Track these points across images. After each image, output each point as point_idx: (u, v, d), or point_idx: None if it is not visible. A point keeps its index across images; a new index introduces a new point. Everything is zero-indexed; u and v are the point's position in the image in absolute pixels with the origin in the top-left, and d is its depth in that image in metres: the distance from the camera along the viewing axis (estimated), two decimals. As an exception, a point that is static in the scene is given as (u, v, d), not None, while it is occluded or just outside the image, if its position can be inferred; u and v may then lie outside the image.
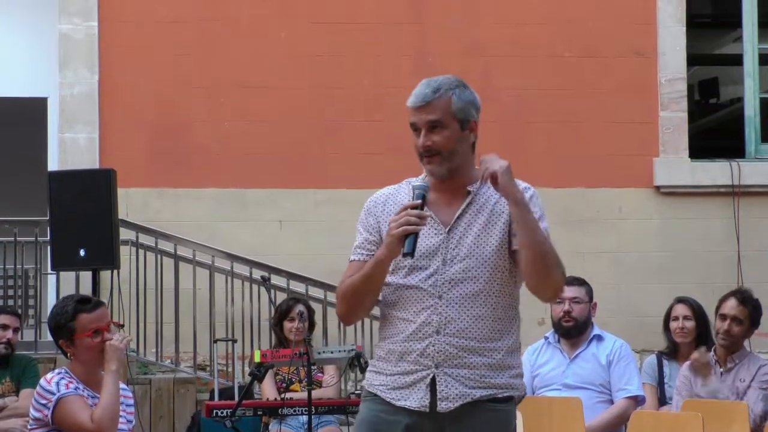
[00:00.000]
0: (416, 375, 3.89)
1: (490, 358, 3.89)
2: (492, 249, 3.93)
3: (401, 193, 4.05)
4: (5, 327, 7.94)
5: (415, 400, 3.88)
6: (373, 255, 3.93)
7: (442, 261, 3.90)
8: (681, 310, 7.59)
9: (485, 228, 3.96)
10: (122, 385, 5.37)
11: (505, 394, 3.93)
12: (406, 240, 3.78)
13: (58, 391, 5.05)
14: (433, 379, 3.87)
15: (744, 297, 7.06)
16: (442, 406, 3.85)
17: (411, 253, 3.79)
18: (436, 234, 3.92)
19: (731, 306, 6.99)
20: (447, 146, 3.96)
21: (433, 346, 3.87)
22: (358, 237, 4.03)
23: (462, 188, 3.99)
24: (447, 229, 3.93)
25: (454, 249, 3.91)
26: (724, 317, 6.98)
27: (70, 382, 5.10)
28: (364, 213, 4.06)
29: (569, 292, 7.36)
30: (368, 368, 4.09)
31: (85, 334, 5.12)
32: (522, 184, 4.08)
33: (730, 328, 6.94)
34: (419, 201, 3.86)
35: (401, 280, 3.92)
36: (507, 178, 3.92)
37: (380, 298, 3.98)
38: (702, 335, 7.43)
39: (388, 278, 3.92)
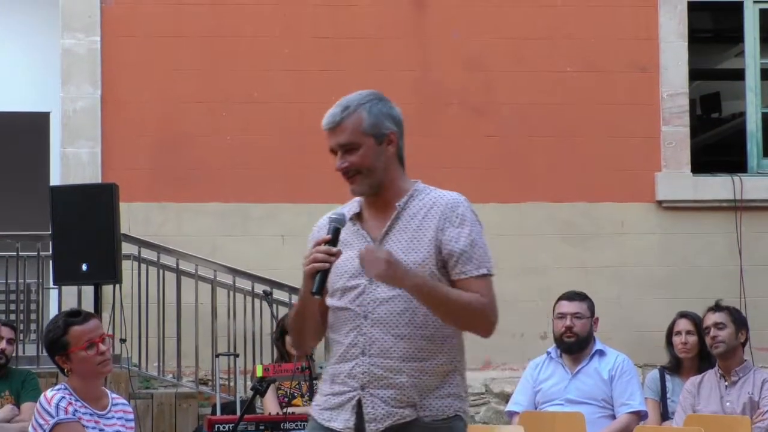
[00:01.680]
0: (344, 396, 3.84)
1: (417, 378, 3.80)
2: (416, 266, 3.79)
3: (344, 214, 3.96)
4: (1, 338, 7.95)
5: (341, 421, 3.83)
6: None
7: (369, 280, 3.81)
8: (684, 325, 7.60)
9: (410, 244, 3.84)
10: (122, 400, 5.35)
11: (443, 416, 3.82)
12: (317, 276, 3.75)
13: (57, 415, 5.01)
14: (359, 401, 3.82)
15: (717, 305, 7.23)
16: (371, 428, 3.79)
17: (318, 293, 3.75)
18: None
19: (708, 317, 7.19)
20: (364, 164, 3.86)
21: (359, 367, 3.82)
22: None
23: (391, 203, 3.89)
24: None
25: None
26: (707, 329, 7.08)
27: (70, 404, 5.06)
28: (309, 241, 3.97)
29: (571, 307, 7.37)
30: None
31: (79, 348, 5.09)
32: (450, 196, 3.96)
33: (717, 334, 7.02)
34: (329, 236, 3.81)
35: (336, 302, 3.87)
36: (390, 280, 3.73)
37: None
38: (705, 350, 7.43)
39: (327, 301, 3.88)
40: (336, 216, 3.86)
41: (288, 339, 8.04)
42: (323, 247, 3.77)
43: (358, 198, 3.96)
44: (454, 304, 3.79)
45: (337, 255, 3.77)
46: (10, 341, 8.01)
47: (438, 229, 3.85)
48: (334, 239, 3.80)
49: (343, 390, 3.85)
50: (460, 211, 3.89)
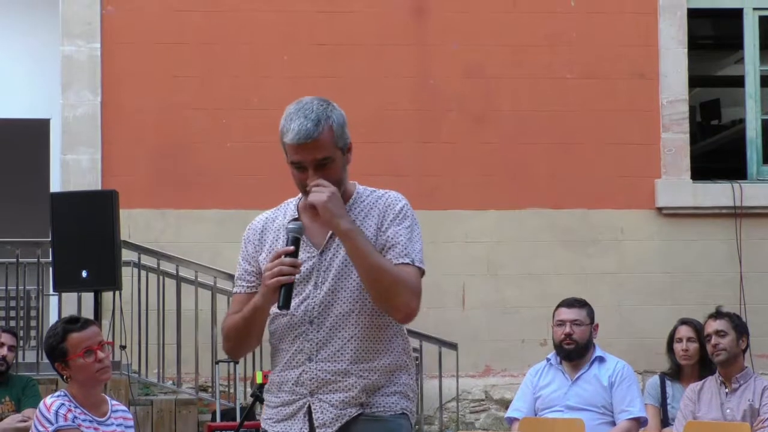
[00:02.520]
0: (294, 405, 3.77)
1: (366, 378, 3.74)
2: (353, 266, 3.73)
3: (279, 217, 3.91)
4: (1, 345, 7.94)
5: (295, 431, 3.76)
6: (254, 287, 3.83)
7: (314, 285, 3.75)
8: (684, 331, 7.59)
9: None
10: (122, 407, 5.35)
11: (390, 412, 3.76)
12: (282, 290, 3.65)
13: (56, 422, 5.01)
14: (309, 408, 3.75)
15: (718, 312, 7.20)
16: None
17: (286, 306, 3.67)
18: (309, 258, 3.77)
19: (709, 324, 7.14)
20: (336, 178, 3.75)
21: (306, 373, 3.75)
22: (238, 268, 3.91)
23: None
24: (319, 252, 3.78)
25: (324, 272, 3.75)
26: (708, 337, 7.07)
27: (69, 411, 5.05)
28: (243, 242, 3.92)
29: (570, 314, 7.35)
30: (265, 404, 3.96)
31: (77, 354, 5.09)
32: (391, 194, 3.86)
33: (718, 342, 7.00)
34: (292, 248, 3.68)
35: (276, 309, 3.73)
36: (327, 212, 3.65)
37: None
38: (705, 357, 7.42)
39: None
40: (294, 226, 3.72)
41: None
42: (288, 260, 3.64)
43: (292, 201, 3.93)
44: (381, 266, 3.66)
45: (299, 266, 3.67)
46: (11, 348, 8.01)
47: (377, 227, 3.78)
48: (294, 250, 3.69)
49: (291, 399, 3.77)
50: (399, 207, 3.82)
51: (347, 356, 3.73)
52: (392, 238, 3.76)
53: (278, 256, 3.67)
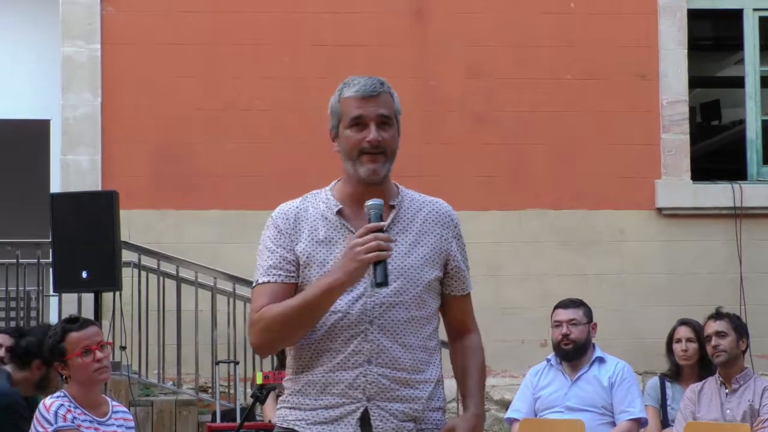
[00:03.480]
0: (343, 408, 3.55)
1: (423, 391, 3.61)
2: (422, 271, 3.63)
3: (310, 208, 3.70)
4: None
5: None
6: (293, 277, 3.60)
7: (370, 282, 3.52)
8: (684, 332, 7.59)
9: (413, 247, 3.64)
10: (123, 408, 5.35)
11: (437, 429, 3.63)
12: (377, 266, 3.44)
13: (55, 422, 5.01)
14: (365, 413, 3.54)
15: (718, 313, 7.19)
16: None
17: (386, 282, 3.46)
18: None
19: (709, 326, 7.13)
20: (392, 146, 3.70)
21: (365, 376, 3.55)
22: (271, 256, 3.62)
23: (385, 199, 3.62)
24: None
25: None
26: (708, 338, 7.07)
27: (69, 411, 5.05)
28: (274, 230, 3.65)
29: (566, 314, 7.37)
30: (279, 405, 3.71)
31: (75, 354, 5.09)
32: (444, 204, 3.81)
33: (718, 344, 7.00)
34: (384, 223, 3.53)
35: (371, 289, 3.54)
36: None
37: None
38: (705, 357, 7.42)
39: None
40: (375, 202, 3.52)
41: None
42: (383, 235, 3.45)
43: (326, 190, 3.72)
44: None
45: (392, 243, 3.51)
46: (8, 349, 7.98)
47: (443, 238, 3.70)
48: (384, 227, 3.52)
49: (341, 402, 3.55)
50: (458, 223, 3.80)
51: (408, 364, 3.59)
52: (462, 263, 3.85)
53: (368, 232, 3.45)
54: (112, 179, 9.64)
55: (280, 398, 3.73)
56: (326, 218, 3.65)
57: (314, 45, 9.97)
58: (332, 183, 3.75)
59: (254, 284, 3.68)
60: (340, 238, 3.61)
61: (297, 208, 3.71)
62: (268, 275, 3.62)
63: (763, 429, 6.85)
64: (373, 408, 3.55)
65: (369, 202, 3.55)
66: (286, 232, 3.65)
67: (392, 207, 3.67)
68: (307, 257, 3.61)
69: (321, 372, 3.57)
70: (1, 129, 11.98)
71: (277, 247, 3.64)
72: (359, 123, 3.65)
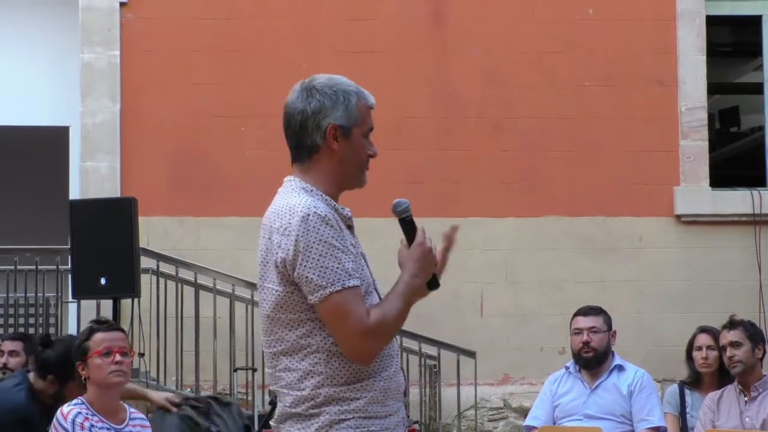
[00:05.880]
0: (400, 412, 3.57)
1: None
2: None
3: (330, 212, 3.53)
4: (2, 353, 7.93)
5: None
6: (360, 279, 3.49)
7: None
8: (704, 339, 7.56)
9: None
10: (140, 414, 5.35)
11: None
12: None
13: (73, 431, 5.02)
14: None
15: (732, 322, 7.14)
16: None
17: (438, 285, 3.57)
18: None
19: (724, 336, 7.09)
20: None
21: (401, 376, 3.61)
22: (345, 258, 3.44)
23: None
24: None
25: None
26: (724, 348, 7.03)
27: (86, 419, 5.05)
28: (331, 229, 3.45)
29: (587, 322, 7.34)
30: (345, 416, 3.47)
31: (96, 352, 5.10)
32: None
33: (733, 354, 6.97)
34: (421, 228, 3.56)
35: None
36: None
37: None
38: (724, 365, 7.39)
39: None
40: (406, 206, 3.58)
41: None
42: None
43: (315, 190, 3.55)
44: None
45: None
46: (12, 353, 7.97)
47: None
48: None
49: (399, 406, 3.55)
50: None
51: None
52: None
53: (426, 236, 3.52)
54: (131, 186, 9.67)
55: (340, 409, 3.49)
56: (343, 222, 3.58)
57: (332, 52, 9.98)
58: (301, 183, 3.59)
59: (336, 288, 3.42)
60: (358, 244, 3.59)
61: (326, 209, 3.51)
62: (353, 278, 3.44)
63: (782, 437, 6.83)
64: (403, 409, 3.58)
65: (404, 203, 3.58)
66: (341, 231, 3.50)
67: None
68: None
69: (387, 377, 3.51)
70: (21, 136, 12.02)
71: (345, 247, 3.48)
72: (368, 135, 3.63)
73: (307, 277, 3.42)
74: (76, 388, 5.57)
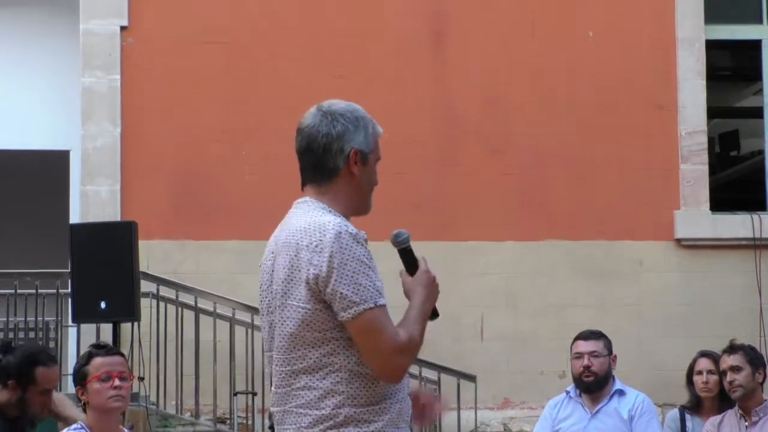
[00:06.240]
0: None
1: None
2: None
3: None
4: None
5: None
6: None
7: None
8: (705, 364, 7.54)
9: None
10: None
11: None
12: None
13: None
14: None
15: (732, 346, 7.10)
16: None
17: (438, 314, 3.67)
18: None
19: (724, 360, 7.05)
20: None
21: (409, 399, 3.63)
22: (375, 277, 3.50)
23: None
24: None
25: None
26: (724, 373, 7.01)
27: (85, 444, 5.04)
28: (365, 249, 3.52)
29: (587, 346, 7.33)
30: None
31: (95, 377, 5.08)
32: None
33: (733, 379, 6.95)
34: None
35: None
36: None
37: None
38: (725, 390, 7.38)
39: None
40: (406, 238, 3.68)
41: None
42: None
43: (334, 212, 3.63)
44: None
45: None
46: None
47: None
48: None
49: (406, 428, 3.57)
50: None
51: None
52: None
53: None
54: (131, 209, 9.67)
55: (359, 430, 3.51)
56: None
57: (332, 74, 9.99)
58: (319, 204, 3.66)
59: (369, 305, 3.46)
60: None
61: (353, 227, 3.59)
62: (383, 297, 3.50)
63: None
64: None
65: (403, 234, 3.66)
66: (369, 251, 3.55)
67: None
68: None
69: (401, 399, 3.54)
70: (22, 160, 12.03)
71: (374, 266, 3.54)
72: (376, 164, 3.76)
73: (341, 294, 3.44)
74: (39, 395, 5.60)
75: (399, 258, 3.71)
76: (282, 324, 3.58)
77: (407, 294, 3.61)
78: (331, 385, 3.48)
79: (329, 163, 3.68)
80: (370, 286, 3.45)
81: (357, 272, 3.46)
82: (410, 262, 3.64)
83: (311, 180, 3.73)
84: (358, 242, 3.49)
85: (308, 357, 3.51)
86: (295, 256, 3.56)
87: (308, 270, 3.49)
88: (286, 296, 3.58)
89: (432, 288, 3.59)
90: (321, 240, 3.50)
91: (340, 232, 3.49)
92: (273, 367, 3.65)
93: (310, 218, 3.59)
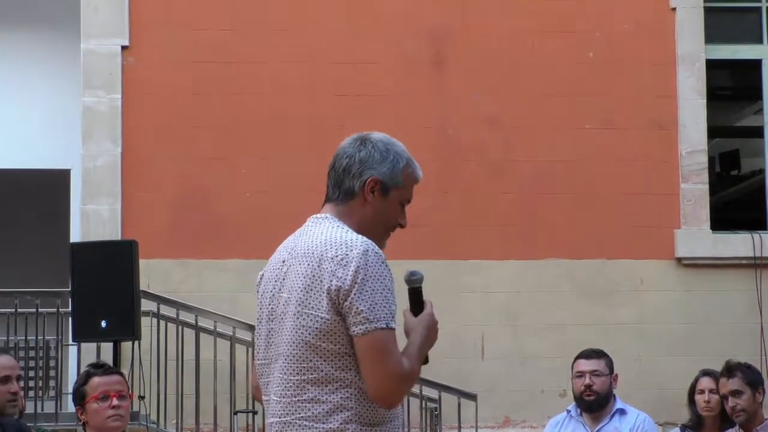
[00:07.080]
0: None
1: None
2: None
3: None
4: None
5: None
6: None
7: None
8: (707, 383, 7.54)
9: None
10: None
11: None
12: None
13: None
14: None
15: (730, 368, 6.99)
16: None
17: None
18: None
19: (723, 384, 6.94)
20: None
21: None
22: (392, 300, 3.54)
23: None
24: None
25: None
26: (725, 397, 6.96)
27: (88, 464, 5.04)
28: (388, 272, 3.57)
29: (589, 365, 7.33)
30: None
31: (93, 397, 5.07)
32: None
33: (736, 404, 6.88)
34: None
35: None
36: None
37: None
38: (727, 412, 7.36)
39: None
40: (418, 278, 3.72)
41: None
42: None
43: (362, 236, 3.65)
44: None
45: None
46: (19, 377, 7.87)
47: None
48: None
49: None
50: None
51: None
52: None
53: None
54: (132, 228, 9.67)
55: None
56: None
57: (333, 95, 10.01)
58: (338, 222, 3.69)
59: (382, 325, 3.48)
60: None
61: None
62: (395, 322, 3.53)
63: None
64: None
65: (418, 273, 3.70)
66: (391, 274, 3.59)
67: None
68: None
69: (399, 424, 3.59)
70: (22, 179, 12.04)
71: (394, 289, 3.57)
72: (402, 205, 3.78)
73: (357, 308, 3.47)
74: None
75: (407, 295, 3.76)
76: (295, 332, 3.57)
77: (407, 332, 3.64)
78: (341, 401, 3.49)
79: (346, 183, 3.73)
80: (385, 307, 3.48)
81: (376, 291, 3.49)
82: (417, 303, 3.69)
83: (330, 198, 3.78)
84: (383, 263, 3.54)
85: (320, 368, 3.50)
86: (318, 266, 3.57)
87: (331, 281, 3.51)
88: (303, 305, 3.58)
89: (433, 332, 3.63)
90: (347, 254, 3.53)
91: (367, 250, 3.53)
92: (274, 374, 3.63)
93: (336, 233, 3.62)
